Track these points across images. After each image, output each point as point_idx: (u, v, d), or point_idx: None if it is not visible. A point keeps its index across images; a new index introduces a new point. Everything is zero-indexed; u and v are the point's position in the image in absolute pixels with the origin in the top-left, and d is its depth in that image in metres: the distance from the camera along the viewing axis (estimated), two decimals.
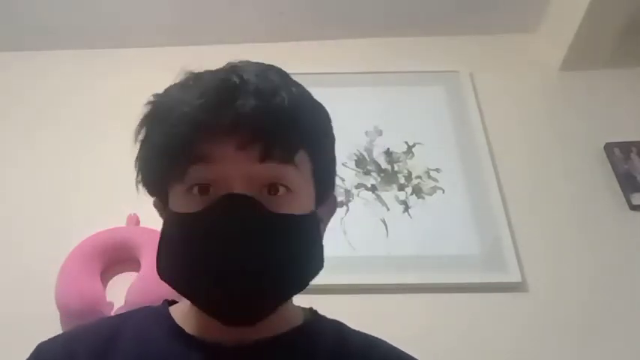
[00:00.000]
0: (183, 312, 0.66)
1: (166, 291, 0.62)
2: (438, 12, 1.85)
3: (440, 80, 1.79)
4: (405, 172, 1.61)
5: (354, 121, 1.70)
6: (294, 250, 0.59)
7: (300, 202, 0.60)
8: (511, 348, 1.34)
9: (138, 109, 0.64)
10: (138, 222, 1.45)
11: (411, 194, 1.57)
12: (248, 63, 0.63)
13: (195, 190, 0.57)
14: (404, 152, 1.65)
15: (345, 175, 1.60)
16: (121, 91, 1.75)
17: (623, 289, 1.41)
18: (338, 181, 1.58)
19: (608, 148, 1.62)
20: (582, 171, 1.60)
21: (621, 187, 1.55)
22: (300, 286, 0.61)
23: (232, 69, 0.61)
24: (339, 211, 1.53)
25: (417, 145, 1.66)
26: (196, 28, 1.86)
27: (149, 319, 0.67)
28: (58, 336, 0.69)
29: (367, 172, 1.61)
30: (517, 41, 1.87)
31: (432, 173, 1.60)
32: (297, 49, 1.85)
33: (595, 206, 1.54)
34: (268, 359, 0.61)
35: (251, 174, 0.57)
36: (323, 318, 0.71)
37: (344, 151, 1.65)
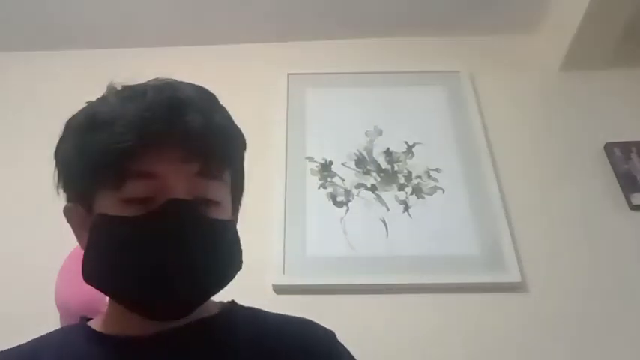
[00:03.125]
0: (101, 320, 0.68)
1: None
2: (438, 12, 1.85)
3: (440, 80, 1.79)
4: (405, 172, 1.61)
5: (354, 121, 1.70)
6: (226, 251, 0.64)
7: (224, 211, 0.65)
8: (511, 348, 1.34)
9: None
10: None
11: (411, 194, 1.57)
12: (183, 82, 0.66)
13: (136, 199, 0.60)
14: (404, 152, 1.65)
15: (345, 175, 1.61)
16: None
17: (623, 288, 1.41)
18: (338, 181, 1.59)
19: (608, 148, 1.62)
20: (582, 171, 1.60)
21: (621, 187, 1.56)
22: (224, 284, 0.65)
23: (172, 86, 0.64)
24: (339, 211, 1.53)
25: (417, 145, 1.66)
26: (196, 28, 1.86)
27: (68, 334, 0.69)
28: None
29: (367, 172, 1.61)
30: (517, 41, 1.88)
31: (432, 173, 1.60)
32: (297, 49, 1.85)
33: (595, 206, 1.54)
34: (184, 344, 0.64)
35: (189, 187, 0.61)
36: (240, 306, 0.74)
37: (344, 151, 1.65)
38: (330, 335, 0.73)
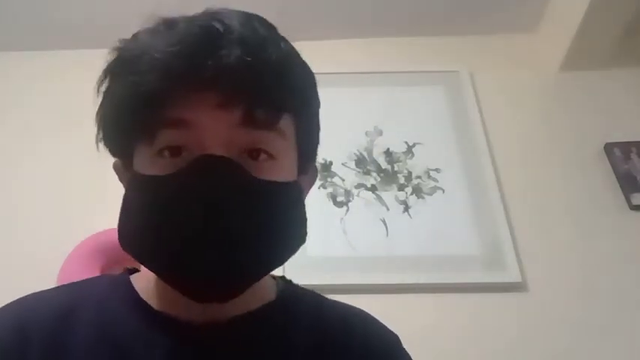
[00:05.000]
0: (148, 283, 0.58)
1: None
2: (438, 12, 1.85)
3: (440, 80, 1.79)
4: (405, 172, 1.61)
5: (354, 121, 1.70)
6: (276, 219, 0.53)
7: (282, 169, 0.54)
8: (511, 348, 1.34)
9: None
10: None
11: (411, 194, 1.57)
12: (230, 10, 0.55)
13: (166, 153, 0.51)
14: (404, 152, 1.65)
15: (345, 175, 1.60)
16: None
17: (623, 288, 1.41)
18: (338, 181, 1.59)
19: (608, 148, 1.62)
20: (582, 171, 1.60)
21: (621, 187, 1.56)
22: (281, 259, 0.55)
23: (213, 15, 0.53)
24: (339, 211, 1.53)
25: (417, 145, 1.66)
26: None
27: (110, 292, 0.59)
28: (6, 309, 0.58)
29: (367, 172, 1.61)
30: (517, 41, 1.88)
31: (432, 173, 1.60)
32: (298, 49, 1.85)
33: (595, 206, 1.54)
34: (242, 337, 0.57)
35: (230, 138, 0.50)
36: (299, 289, 0.66)
37: (344, 151, 1.65)
38: (394, 338, 0.67)
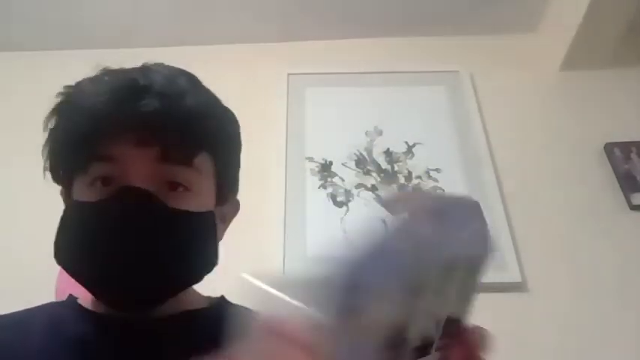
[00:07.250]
0: (90, 297, 0.66)
1: None
2: (439, 12, 1.85)
3: (440, 80, 1.79)
4: (405, 172, 1.61)
5: (354, 121, 1.70)
6: (185, 245, 0.61)
7: (198, 200, 0.62)
8: (511, 348, 1.34)
9: None
10: None
11: None
12: (161, 66, 0.66)
13: (99, 182, 0.60)
14: (404, 152, 1.65)
15: (345, 175, 1.61)
16: None
17: (623, 289, 1.41)
18: (338, 181, 1.59)
19: (608, 148, 1.62)
20: (582, 171, 1.60)
21: (621, 187, 1.56)
22: (190, 280, 0.64)
23: (143, 70, 0.64)
24: (339, 211, 1.53)
25: (417, 145, 1.66)
26: (196, 28, 1.86)
27: (59, 307, 0.69)
28: None
29: (367, 172, 1.61)
30: (517, 41, 1.88)
31: (432, 173, 1.61)
32: (298, 49, 1.85)
33: (595, 206, 1.54)
34: (172, 332, 0.62)
35: (150, 172, 0.60)
36: (229, 303, 0.71)
37: (344, 151, 1.65)
38: None
